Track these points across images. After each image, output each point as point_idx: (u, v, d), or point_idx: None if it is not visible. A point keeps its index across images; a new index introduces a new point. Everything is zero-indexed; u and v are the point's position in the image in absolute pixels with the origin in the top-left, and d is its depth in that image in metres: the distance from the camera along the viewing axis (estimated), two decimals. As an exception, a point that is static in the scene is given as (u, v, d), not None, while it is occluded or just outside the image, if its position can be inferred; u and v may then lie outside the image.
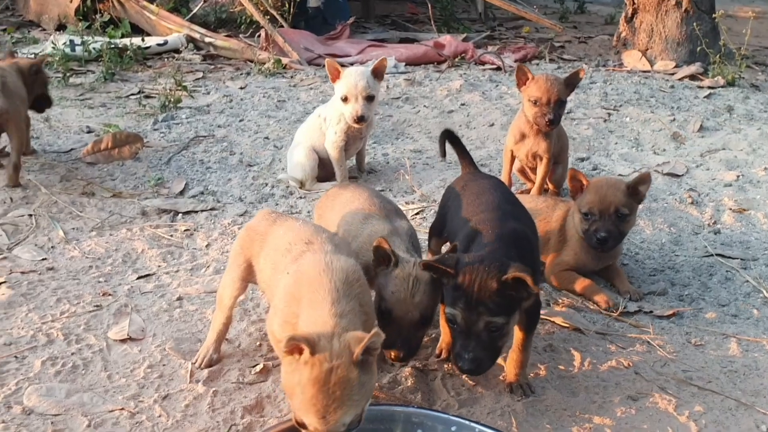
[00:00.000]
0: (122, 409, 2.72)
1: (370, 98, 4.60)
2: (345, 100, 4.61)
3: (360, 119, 4.60)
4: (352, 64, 7.97)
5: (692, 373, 3.09)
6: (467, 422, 2.55)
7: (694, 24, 7.84)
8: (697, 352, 3.26)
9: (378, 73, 4.64)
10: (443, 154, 3.89)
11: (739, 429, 2.79)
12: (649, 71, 7.93)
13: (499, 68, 7.98)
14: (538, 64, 8.27)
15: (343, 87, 4.59)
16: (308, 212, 4.48)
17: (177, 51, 8.23)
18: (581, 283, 3.67)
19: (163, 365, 3.00)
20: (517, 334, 2.89)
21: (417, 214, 4.52)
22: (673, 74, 7.76)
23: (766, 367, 3.15)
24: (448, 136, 3.79)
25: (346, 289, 2.39)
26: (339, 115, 4.72)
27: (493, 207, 2.99)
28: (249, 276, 2.90)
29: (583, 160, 5.38)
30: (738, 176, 5.06)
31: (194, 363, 2.98)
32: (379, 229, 2.94)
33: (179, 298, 3.50)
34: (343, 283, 2.40)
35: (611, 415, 2.81)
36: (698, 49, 7.82)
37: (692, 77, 7.61)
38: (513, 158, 4.67)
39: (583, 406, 2.87)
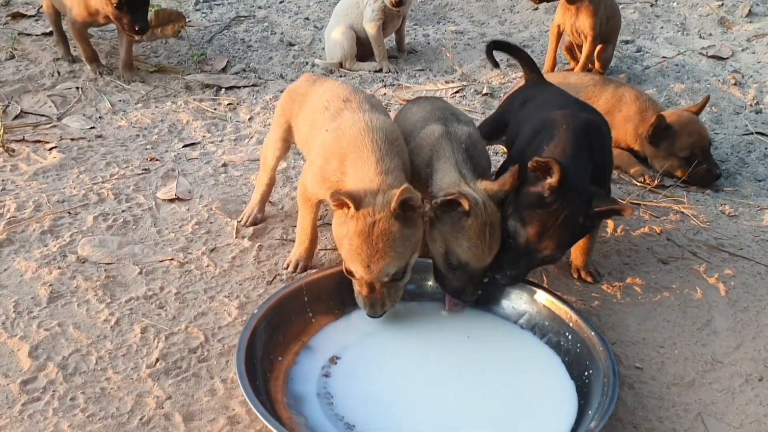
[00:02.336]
0: (172, 259, 2.87)
1: None
2: None
3: (399, 3, 4.59)
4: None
5: (724, 241, 3.15)
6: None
7: None
8: (731, 222, 3.30)
9: None
10: (495, 65, 3.66)
11: (766, 291, 2.85)
12: (700, -43, 7.66)
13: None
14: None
15: None
16: (349, 89, 4.52)
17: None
18: (618, 156, 3.68)
19: (210, 223, 3.13)
20: None
21: (457, 92, 4.53)
22: (725, -40, 7.50)
23: (799, 236, 3.20)
24: (497, 47, 3.51)
25: (388, 147, 2.45)
26: None
27: (559, 104, 2.82)
28: (289, 137, 2.98)
29: (627, 42, 5.31)
30: (785, 59, 4.97)
31: (240, 221, 3.11)
32: (432, 131, 2.67)
33: (224, 165, 3.61)
34: (384, 141, 2.46)
35: (641, 275, 2.90)
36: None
37: (745, -37, 7.34)
38: (559, 35, 4.60)
39: (615, 267, 2.95)
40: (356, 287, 2.40)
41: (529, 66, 3.33)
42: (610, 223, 3.21)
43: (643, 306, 2.74)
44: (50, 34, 5.11)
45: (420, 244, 2.41)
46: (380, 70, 4.85)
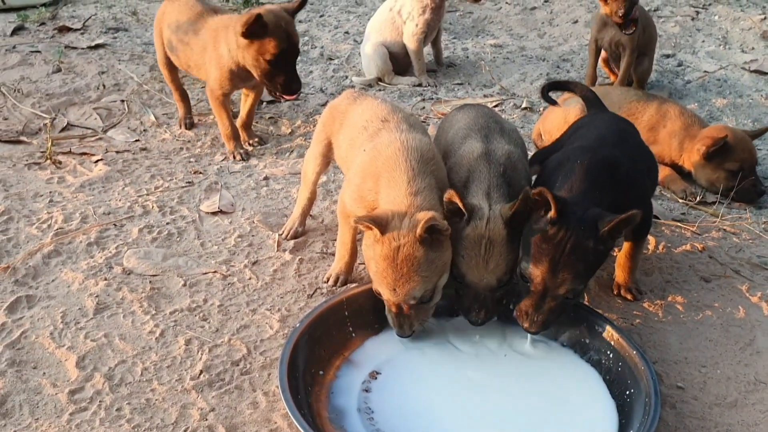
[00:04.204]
0: (215, 272, 2.91)
1: None
2: None
3: None
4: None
5: (767, 259, 3.11)
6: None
7: None
8: (774, 239, 3.27)
9: None
10: (553, 102, 3.47)
11: (812, 310, 2.82)
12: (742, -31, 7.60)
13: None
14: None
15: None
16: (388, 103, 4.56)
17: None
18: (661, 172, 3.66)
19: (252, 236, 3.17)
20: (626, 243, 2.82)
21: (496, 106, 4.54)
22: (768, -28, 7.42)
23: None
24: (552, 87, 3.43)
25: (422, 167, 2.47)
26: (422, 5, 4.73)
27: (594, 137, 2.79)
28: (329, 153, 3.01)
29: (668, 56, 5.28)
30: (829, 74, 4.91)
31: (281, 234, 3.15)
32: (472, 149, 2.64)
33: (266, 178, 3.65)
34: (418, 161, 2.47)
35: (683, 293, 2.88)
36: (797, -55, 7.42)
37: (788, -24, 7.26)
38: (598, 50, 4.60)
39: (656, 284, 2.93)
40: (386, 306, 2.43)
41: (585, 96, 3.28)
42: (651, 240, 3.19)
43: (685, 324, 2.72)
44: (96, 47, 5.24)
45: (449, 266, 2.42)
46: (419, 84, 4.87)
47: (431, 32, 4.89)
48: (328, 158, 3.05)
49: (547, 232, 2.31)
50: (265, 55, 3.42)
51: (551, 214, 2.30)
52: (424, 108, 4.54)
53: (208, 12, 3.84)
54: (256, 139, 4.05)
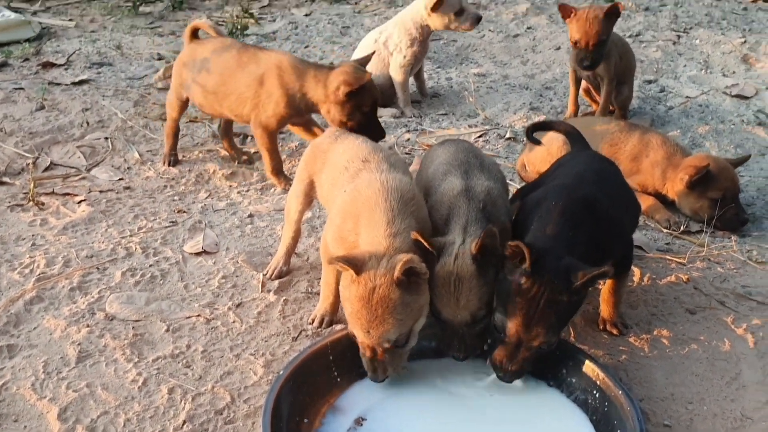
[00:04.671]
0: (198, 315, 2.90)
1: None
2: (462, 11, 4.67)
3: (479, 19, 4.74)
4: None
5: (751, 289, 3.12)
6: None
7: (772, -59, 7.52)
8: (758, 268, 3.28)
9: None
10: (538, 143, 3.41)
11: (796, 342, 2.82)
12: (722, -8, 7.67)
13: (566, -9, 7.81)
14: (606, -14, 8.06)
15: (455, 3, 4.65)
16: (372, 135, 4.56)
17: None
18: (645, 202, 3.67)
19: (236, 276, 3.16)
20: (608, 279, 2.78)
21: (480, 137, 4.55)
22: (747, -5, 7.50)
23: (829, 284, 3.16)
24: (537, 128, 3.37)
25: (402, 208, 2.48)
26: (410, 37, 4.75)
27: (573, 175, 2.78)
28: (312, 191, 3.01)
29: (650, 82, 5.32)
30: (810, 98, 4.95)
31: (265, 274, 3.13)
32: (452, 187, 2.66)
33: (250, 216, 3.64)
34: (398, 202, 2.48)
35: (669, 326, 2.88)
36: (775, -33, 7.51)
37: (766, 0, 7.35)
38: (578, 80, 4.64)
39: (641, 318, 2.93)
40: (360, 349, 2.41)
41: (568, 133, 3.28)
42: (636, 271, 3.19)
43: (671, 359, 2.72)
44: (80, 83, 5.23)
45: (426, 310, 2.41)
46: (402, 115, 4.88)
47: (417, 64, 4.91)
48: (310, 197, 3.05)
49: (521, 285, 2.31)
50: (363, 107, 3.52)
51: (526, 266, 2.30)
52: (409, 140, 4.55)
53: (252, 48, 3.87)
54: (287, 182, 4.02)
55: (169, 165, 4.15)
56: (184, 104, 4.10)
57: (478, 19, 4.67)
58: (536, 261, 2.28)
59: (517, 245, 2.29)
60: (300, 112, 3.75)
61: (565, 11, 4.30)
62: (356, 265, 2.31)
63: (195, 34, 4.03)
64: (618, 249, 2.66)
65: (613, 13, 4.20)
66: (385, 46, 4.86)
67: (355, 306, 2.31)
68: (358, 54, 5.00)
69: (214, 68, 3.82)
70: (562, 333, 2.46)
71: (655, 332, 2.86)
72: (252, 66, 3.74)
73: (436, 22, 4.65)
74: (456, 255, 2.40)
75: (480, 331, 2.48)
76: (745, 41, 6.03)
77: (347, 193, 2.61)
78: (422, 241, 2.36)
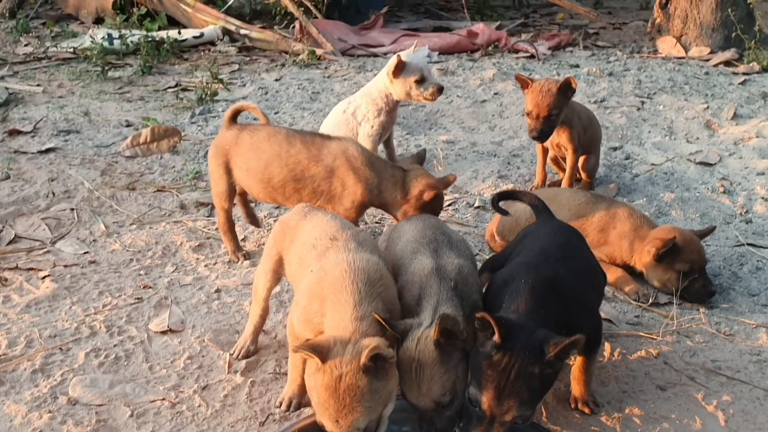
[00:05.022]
0: (163, 399, 2.83)
1: None
2: (419, 81, 4.60)
3: (441, 90, 4.64)
4: (385, 54, 8.05)
5: (721, 363, 3.13)
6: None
7: (729, 9, 7.75)
8: (727, 342, 3.29)
9: None
10: (504, 213, 3.50)
11: (766, 418, 2.82)
12: (683, 58, 7.86)
13: (532, 56, 7.96)
14: (572, 51, 8.23)
15: (414, 70, 4.59)
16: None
17: (213, 43, 8.33)
18: (613, 273, 3.70)
19: (203, 356, 3.10)
20: (578, 357, 2.80)
21: (449, 205, 4.57)
22: (707, 60, 7.69)
23: (797, 357, 3.17)
24: (503, 197, 3.46)
25: (369, 290, 2.46)
26: (377, 108, 4.78)
27: (539, 250, 2.83)
28: (280, 269, 2.98)
29: (615, 149, 5.39)
30: (771, 164, 5.04)
31: (232, 354, 3.08)
32: (422, 266, 2.67)
33: (217, 291, 3.60)
34: (365, 283, 2.47)
35: (640, 404, 2.87)
36: (733, 35, 7.72)
37: (727, 63, 7.53)
38: (545, 149, 4.69)
39: (613, 395, 2.92)
40: None
41: (533, 204, 3.32)
42: (607, 346, 3.19)
43: (643, 439, 2.70)
44: (46, 151, 5.19)
45: (395, 394, 2.37)
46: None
47: (385, 133, 4.93)
48: (279, 274, 3.02)
49: (491, 357, 2.31)
50: (437, 210, 3.64)
51: (495, 339, 2.31)
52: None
53: (320, 137, 3.75)
54: None
55: (244, 259, 3.93)
56: (234, 191, 3.84)
57: (439, 90, 4.62)
58: (507, 333, 2.29)
59: (484, 317, 2.30)
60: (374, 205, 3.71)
61: (523, 82, 4.36)
62: (321, 352, 2.27)
63: (235, 118, 3.85)
64: (587, 326, 2.66)
65: (566, 88, 4.26)
66: (353, 117, 4.88)
67: (321, 395, 2.27)
68: (329, 123, 5.01)
69: (276, 160, 3.64)
70: (536, 408, 2.44)
71: (626, 410, 2.84)
72: (323, 157, 3.63)
73: (397, 89, 4.65)
74: (417, 340, 2.37)
75: (452, 414, 2.44)
76: (707, 107, 6.16)
77: (314, 273, 2.59)
78: (384, 324, 2.35)
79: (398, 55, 4.59)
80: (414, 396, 2.39)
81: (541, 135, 4.32)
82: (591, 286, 2.88)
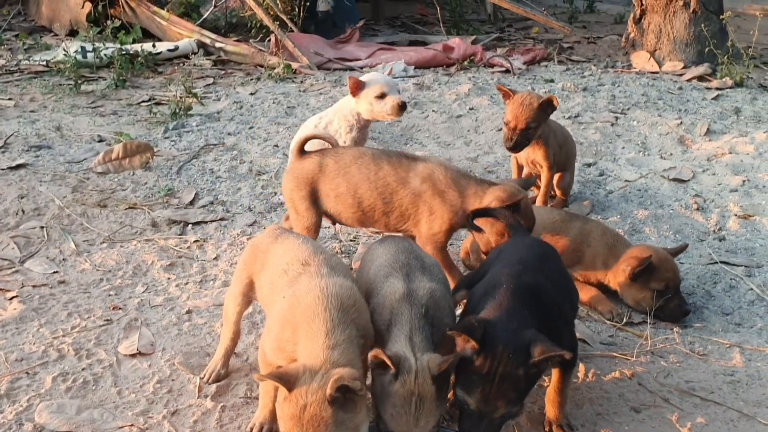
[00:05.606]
0: (132, 425, 2.78)
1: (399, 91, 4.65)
2: (380, 96, 4.55)
3: (403, 106, 4.50)
4: (362, 68, 8.04)
5: (695, 384, 3.12)
6: None
7: (702, 25, 7.81)
8: (701, 362, 3.29)
9: None
10: (479, 230, 3.47)
11: (740, 441, 2.82)
12: (657, 72, 7.92)
13: (507, 71, 7.98)
14: (546, 66, 8.27)
15: (374, 87, 4.51)
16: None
17: (188, 56, 8.29)
18: (587, 293, 3.70)
19: (172, 380, 3.05)
20: (554, 375, 2.80)
21: (424, 222, 4.54)
22: (681, 75, 7.75)
23: (769, 377, 3.18)
24: (478, 215, 3.42)
25: (342, 317, 2.43)
26: (348, 124, 4.75)
27: (516, 261, 2.82)
28: (251, 292, 2.95)
29: (589, 165, 5.40)
30: (744, 181, 5.06)
31: (203, 378, 3.04)
32: (394, 290, 2.64)
33: (188, 312, 3.55)
34: (338, 310, 2.44)
35: (614, 426, 2.85)
36: (706, 49, 7.79)
37: (700, 78, 7.59)
38: (520, 166, 4.69)
39: (587, 418, 2.90)
40: None
41: (510, 224, 3.31)
42: (581, 367, 3.17)
43: (617, 463, 2.69)
44: (17, 167, 5.12)
45: (365, 427, 2.34)
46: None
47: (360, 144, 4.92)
48: (249, 297, 2.98)
49: (474, 362, 2.35)
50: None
51: (471, 344, 2.36)
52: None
53: (406, 158, 3.64)
54: None
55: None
56: (321, 216, 3.71)
57: (400, 105, 4.49)
58: (484, 336, 2.35)
59: (453, 333, 2.39)
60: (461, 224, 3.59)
61: (505, 93, 4.36)
62: (288, 381, 2.24)
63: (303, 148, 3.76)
64: (567, 340, 2.67)
65: (547, 105, 4.27)
66: (325, 131, 4.86)
67: (287, 425, 2.23)
68: (300, 137, 4.97)
69: (365, 183, 3.57)
70: (524, 403, 2.51)
71: (601, 432, 2.83)
72: (410, 179, 3.55)
73: (362, 107, 4.62)
74: (416, 373, 2.34)
75: None
76: (681, 122, 6.19)
77: (286, 299, 2.56)
78: (384, 358, 2.31)
79: (349, 77, 4.55)
80: (407, 428, 2.35)
81: (516, 146, 4.32)
82: (569, 300, 2.90)
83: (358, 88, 4.49)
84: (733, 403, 3.02)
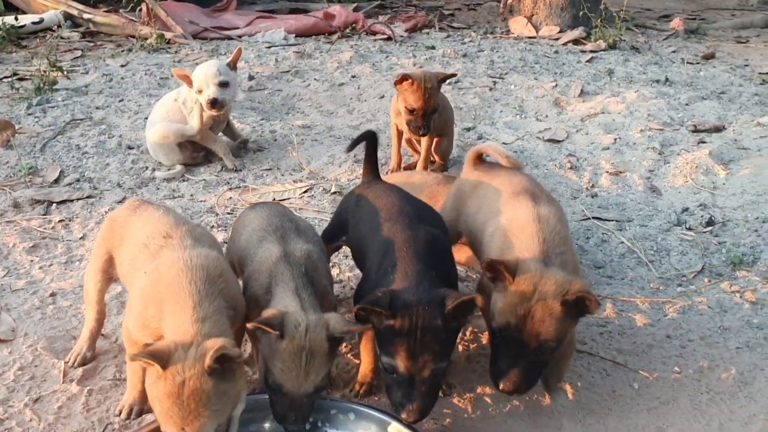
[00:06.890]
0: (-10, 415, 2.62)
1: (223, 84, 4.57)
2: (199, 92, 4.58)
3: (213, 102, 4.54)
4: (240, 36, 7.84)
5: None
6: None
7: (577, -12, 8.00)
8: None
9: (233, 64, 4.72)
10: (351, 149, 3.58)
11: (613, 388, 2.89)
12: (534, 37, 8.06)
13: (389, 38, 7.95)
14: (428, 33, 8.28)
15: (195, 82, 4.58)
16: (191, 195, 4.39)
17: (53, 29, 7.86)
18: (465, 254, 3.70)
19: (35, 366, 2.89)
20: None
21: (305, 192, 4.47)
22: (557, 39, 7.91)
23: (639, 326, 3.27)
24: (370, 138, 3.41)
25: (209, 289, 2.34)
26: (199, 105, 4.66)
27: (397, 213, 2.82)
28: (111, 268, 2.80)
29: (469, 129, 5.43)
30: (615, 139, 5.20)
31: (67, 362, 2.88)
32: (270, 254, 2.62)
33: (52, 294, 3.37)
34: (204, 282, 2.34)
35: (490, 383, 2.84)
36: (581, 13, 7.98)
37: (576, 42, 7.77)
38: (400, 133, 4.66)
39: (465, 377, 2.91)
40: None
41: (371, 166, 3.33)
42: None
43: (495, 419, 2.71)
44: None
45: (244, 394, 2.28)
46: (225, 168, 4.75)
47: (218, 125, 4.83)
48: (110, 274, 2.83)
49: (393, 327, 2.35)
50: None
51: (384, 313, 2.36)
52: (231, 198, 4.39)
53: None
54: None
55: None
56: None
57: (211, 102, 4.54)
58: (392, 301, 2.37)
59: (359, 310, 2.38)
60: None
61: (404, 78, 4.26)
62: (161, 358, 2.13)
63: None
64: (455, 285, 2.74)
65: (444, 79, 4.32)
66: (183, 105, 4.75)
67: (164, 404, 2.12)
68: (160, 111, 4.80)
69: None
70: (450, 360, 2.48)
71: (478, 390, 2.84)
72: None
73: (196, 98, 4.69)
74: (307, 328, 2.32)
75: (313, 401, 2.42)
76: (556, 85, 6.31)
77: (148, 275, 2.44)
78: (262, 327, 2.27)
79: (174, 70, 4.69)
80: (297, 383, 2.33)
81: (428, 130, 4.33)
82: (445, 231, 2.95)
83: (189, 82, 4.61)
84: (606, 353, 3.09)
